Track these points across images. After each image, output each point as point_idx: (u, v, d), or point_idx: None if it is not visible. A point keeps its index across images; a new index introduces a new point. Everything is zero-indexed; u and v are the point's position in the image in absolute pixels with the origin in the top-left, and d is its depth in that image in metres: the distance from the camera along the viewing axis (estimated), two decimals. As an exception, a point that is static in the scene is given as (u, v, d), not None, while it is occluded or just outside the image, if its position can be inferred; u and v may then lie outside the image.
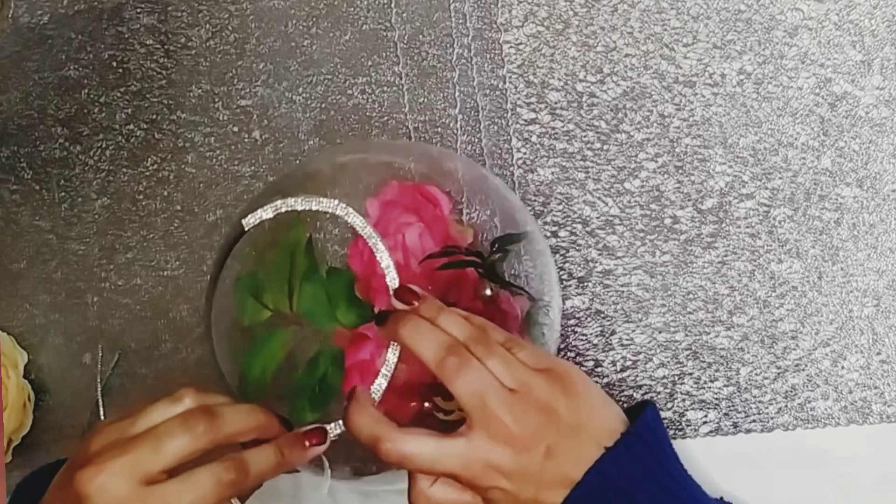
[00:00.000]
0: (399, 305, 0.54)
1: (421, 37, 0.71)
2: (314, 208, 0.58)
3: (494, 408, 0.50)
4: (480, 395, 0.50)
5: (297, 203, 0.58)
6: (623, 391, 0.65)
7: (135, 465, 0.48)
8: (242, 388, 0.62)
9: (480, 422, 0.50)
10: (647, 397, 0.65)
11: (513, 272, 0.63)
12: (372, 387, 0.55)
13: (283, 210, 0.58)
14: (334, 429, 0.54)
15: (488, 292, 0.62)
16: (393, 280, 0.56)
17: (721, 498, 0.55)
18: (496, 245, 0.63)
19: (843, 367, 0.63)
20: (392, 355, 0.55)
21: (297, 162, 0.72)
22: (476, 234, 0.64)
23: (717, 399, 0.64)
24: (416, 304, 0.53)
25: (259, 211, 0.59)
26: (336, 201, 0.57)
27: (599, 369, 0.65)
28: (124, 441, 0.49)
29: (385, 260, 0.57)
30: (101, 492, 0.47)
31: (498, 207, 0.64)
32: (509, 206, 0.64)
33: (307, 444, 0.52)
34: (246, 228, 0.59)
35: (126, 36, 0.75)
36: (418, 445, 0.50)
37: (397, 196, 0.63)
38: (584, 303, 0.66)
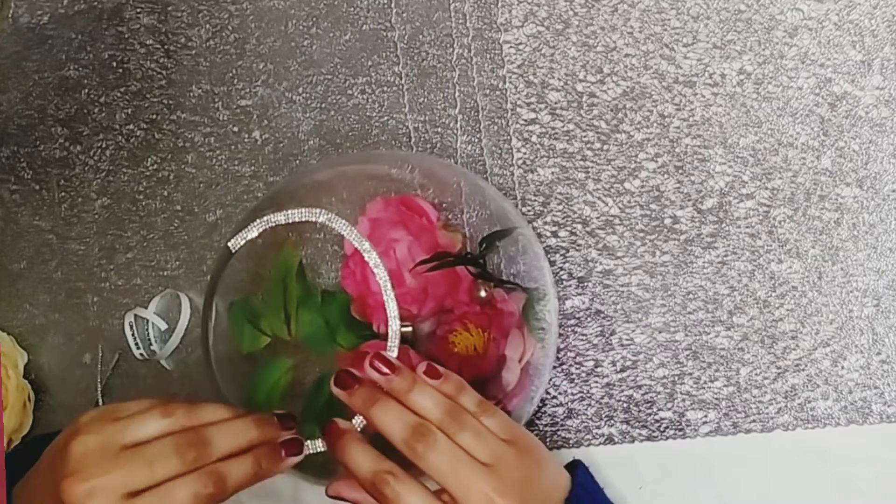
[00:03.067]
0: (373, 375, 0.54)
1: (421, 37, 0.71)
2: (297, 220, 0.56)
3: (472, 481, 0.51)
4: (454, 472, 0.51)
5: (281, 217, 0.57)
6: (623, 391, 0.65)
7: (123, 484, 0.49)
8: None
9: (463, 497, 0.51)
10: (647, 397, 0.65)
11: (511, 273, 0.63)
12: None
13: (268, 227, 0.57)
14: (314, 447, 0.54)
15: (483, 294, 0.63)
16: (386, 283, 0.56)
17: None
18: (484, 244, 0.63)
19: (843, 367, 0.63)
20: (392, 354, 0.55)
21: (296, 164, 0.72)
22: (465, 238, 0.64)
23: (717, 399, 0.64)
24: (390, 374, 0.54)
25: (244, 231, 0.57)
26: (319, 210, 0.56)
27: (599, 369, 0.65)
28: (114, 454, 0.50)
29: (373, 259, 0.56)
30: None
31: (493, 214, 0.64)
32: (504, 212, 0.64)
33: (283, 454, 0.53)
34: (233, 251, 0.58)
35: (126, 36, 0.75)
36: (413, 495, 0.51)
37: (382, 211, 0.63)
38: (584, 303, 0.66)
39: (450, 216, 0.64)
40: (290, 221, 0.57)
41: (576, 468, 0.58)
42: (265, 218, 0.57)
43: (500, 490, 0.51)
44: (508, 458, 0.53)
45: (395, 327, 0.55)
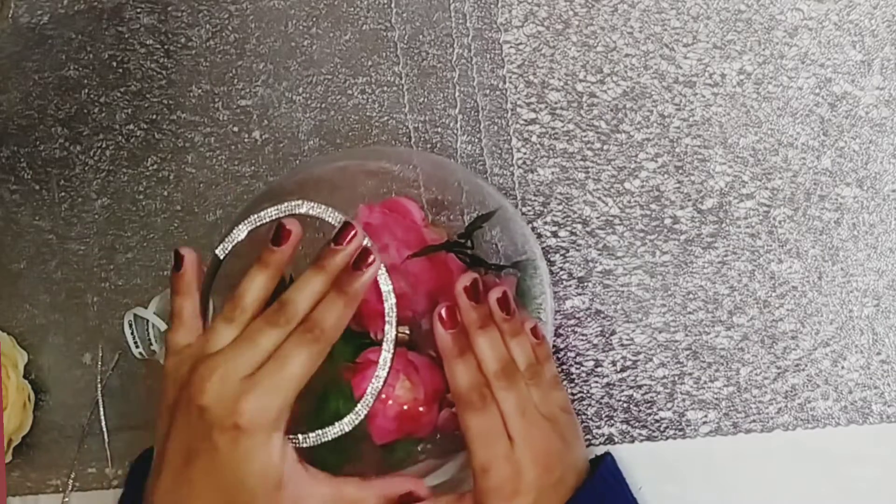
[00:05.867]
0: (462, 300, 0.56)
1: (421, 37, 0.71)
2: (283, 214, 0.55)
3: (533, 422, 0.55)
4: (522, 412, 0.55)
5: (266, 214, 0.56)
6: (623, 391, 0.65)
7: (236, 370, 0.51)
8: None
9: (521, 437, 0.54)
10: (647, 397, 0.65)
11: (500, 253, 0.63)
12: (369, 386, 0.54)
13: (255, 226, 0.56)
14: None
15: None
16: (385, 282, 0.55)
17: None
18: (469, 228, 0.62)
19: (843, 367, 0.63)
20: (386, 354, 0.55)
21: (296, 163, 0.72)
22: (451, 233, 0.64)
23: (717, 399, 0.64)
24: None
25: (232, 234, 0.56)
26: (301, 201, 0.55)
27: (599, 369, 0.65)
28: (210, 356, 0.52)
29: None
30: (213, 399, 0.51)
31: (470, 194, 0.63)
32: (481, 190, 0.63)
33: (359, 268, 0.53)
34: (221, 257, 0.57)
35: (126, 36, 0.75)
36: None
37: (367, 218, 0.63)
38: (584, 303, 0.66)
39: (434, 208, 0.64)
40: (275, 218, 0.56)
41: (603, 460, 0.60)
42: (250, 218, 0.56)
43: (553, 441, 0.55)
44: (563, 420, 0.57)
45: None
